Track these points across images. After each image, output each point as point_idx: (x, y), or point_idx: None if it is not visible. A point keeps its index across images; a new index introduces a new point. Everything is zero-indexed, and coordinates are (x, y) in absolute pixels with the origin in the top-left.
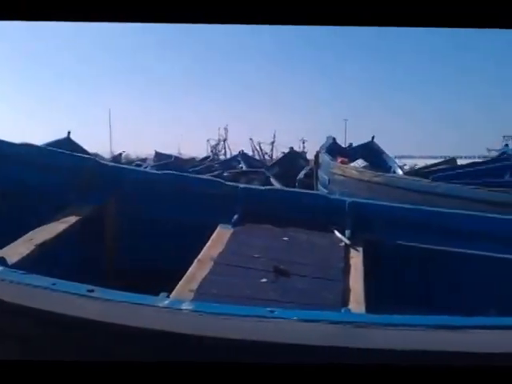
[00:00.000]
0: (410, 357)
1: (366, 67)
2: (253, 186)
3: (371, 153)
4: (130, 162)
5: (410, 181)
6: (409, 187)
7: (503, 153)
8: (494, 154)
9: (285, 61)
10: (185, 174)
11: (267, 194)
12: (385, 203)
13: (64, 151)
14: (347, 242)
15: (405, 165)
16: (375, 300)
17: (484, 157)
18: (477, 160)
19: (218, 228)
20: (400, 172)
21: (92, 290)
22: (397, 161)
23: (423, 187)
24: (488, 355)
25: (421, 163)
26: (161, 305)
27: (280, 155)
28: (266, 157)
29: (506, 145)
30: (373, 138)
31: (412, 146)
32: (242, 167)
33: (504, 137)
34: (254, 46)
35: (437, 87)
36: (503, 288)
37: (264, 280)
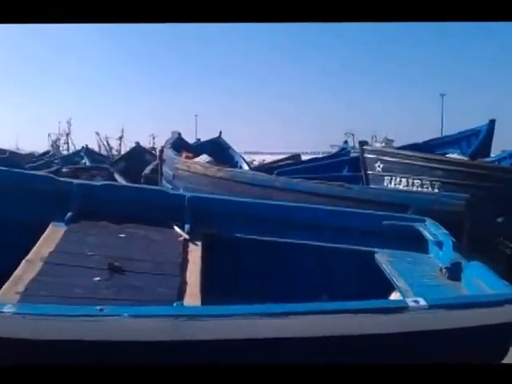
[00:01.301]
0: (241, 345)
1: (214, 62)
2: (88, 182)
3: (218, 148)
4: None
5: (251, 175)
6: (250, 182)
7: (343, 149)
8: (336, 149)
9: (137, 55)
10: (13, 169)
11: (104, 190)
12: (223, 197)
13: None
14: (186, 236)
15: (254, 160)
16: (214, 292)
17: (328, 153)
18: (320, 155)
19: (50, 226)
20: (246, 167)
21: None
22: (246, 157)
23: (264, 181)
24: (318, 339)
25: (269, 159)
26: None
27: None
28: (114, 152)
29: (346, 141)
30: (220, 133)
31: (262, 142)
32: (85, 163)
33: (346, 133)
34: (110, 38)
35: (288, 85)
36: (335, 275)
37: (98, 278)
